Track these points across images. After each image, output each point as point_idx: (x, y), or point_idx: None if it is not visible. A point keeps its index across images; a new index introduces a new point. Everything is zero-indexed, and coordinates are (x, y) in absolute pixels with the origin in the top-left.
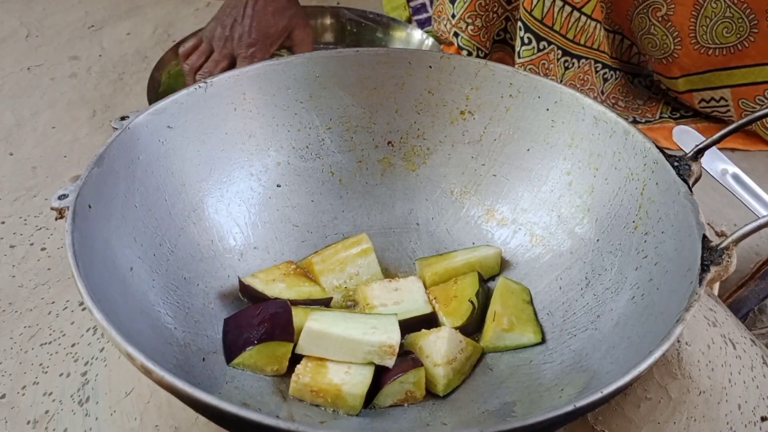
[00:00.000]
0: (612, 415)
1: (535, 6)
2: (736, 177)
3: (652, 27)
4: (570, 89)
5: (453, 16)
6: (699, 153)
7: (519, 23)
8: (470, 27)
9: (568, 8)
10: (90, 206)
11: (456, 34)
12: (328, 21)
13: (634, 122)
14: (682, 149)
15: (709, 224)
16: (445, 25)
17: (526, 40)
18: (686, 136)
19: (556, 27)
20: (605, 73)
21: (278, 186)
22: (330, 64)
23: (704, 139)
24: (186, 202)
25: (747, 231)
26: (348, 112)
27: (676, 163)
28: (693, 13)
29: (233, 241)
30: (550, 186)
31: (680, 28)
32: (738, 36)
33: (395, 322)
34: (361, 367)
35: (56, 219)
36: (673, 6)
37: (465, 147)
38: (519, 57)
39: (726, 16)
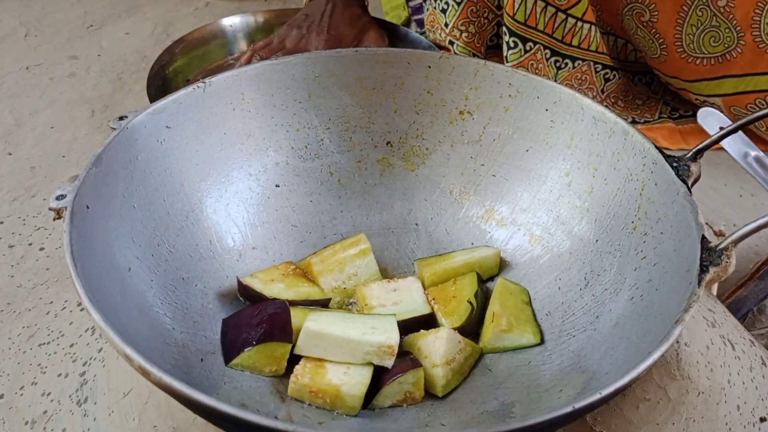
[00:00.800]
0: (611, 415)
1: (517, 10)
2: (758, 160)
3: (638, 30)
4: (569, 89)
5: (446, 25)
6: (698, 153)
7: (503, 28)
8: (464, 34)
9: (551, 9)
10: (88, 206)
11: (451, 42)
12: None
13: (634, 122)
14: (707, 130)
15: (707, 224)
16: (440, 34)
17: (512, 44)
18: (711, 118)
19: (540, 27)
20: (606, 74)
21: (277, 186)
22: (329, 63)
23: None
24: (184, 202)
25: (746, 231)
26: (347, 112)
27: (675, 164)
28: (678, 21)
29: (232, 241)
30: (549, 186)
31: (665, 35)
32: (725, 46)
33: (394, 322)
34: (360, 367)
35: (54, 219)
36: (656, 13)
37: (464, 147)
38: (507, 61)
39: (712, 25)
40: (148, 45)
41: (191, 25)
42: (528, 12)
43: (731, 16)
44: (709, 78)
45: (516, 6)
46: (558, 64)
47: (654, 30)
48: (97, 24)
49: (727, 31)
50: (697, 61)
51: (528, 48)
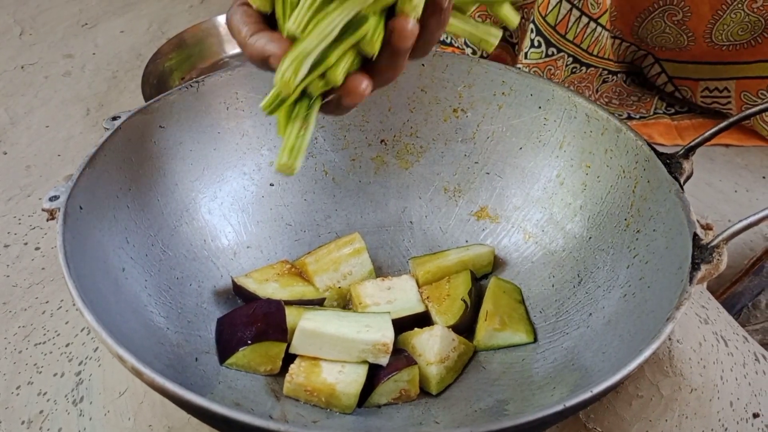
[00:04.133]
0: (604, 412)
1: (549, 12)
2: None
3: (667, 28)
4: (562, 87)
5: None
6: (691, 150)
7: (531, 25)
8: None
9: (585, 19)
10: (81, 207)
11: None
12: None
13: (629, 118)
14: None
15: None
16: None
17: (536, 43)
18: None
19: (570, 36)
20: (606, 77)
21: (271, 185)
22: None
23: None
24: (178, 202)
25: (737, 229)
26: None
27: (667, 161)
28: (711, 20)
29: (226, 240)
30: (543, 184)
31: (695, 30)
32: (752, 34)
33: (388, 320)
34: (355, 365)
35: (47, 220)
36: (689, 14)
37: (458, 145)
38: (526, 58)
39: (744, 22)
40: (143, 43)
41: (186, 23)
42: (559, 17)
43: (764, 12)
44: (732, 62)
45: (549, 8)
46: (574, 70)
47: (685, 27)
48: (91, 22)
49: (757, 23)
50: (723, 48)
51: (551, 53)
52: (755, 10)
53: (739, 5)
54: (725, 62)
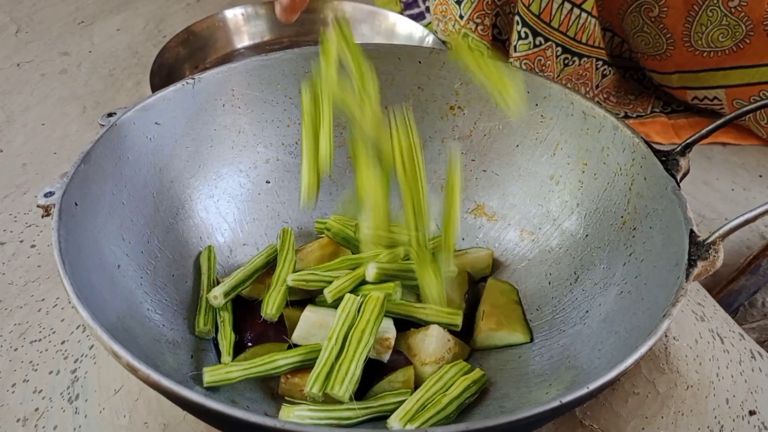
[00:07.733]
0: (600, 409)
1: (532, 1)
2: None
3: (645, 26)
4: (558, 84)
5: (461, 17)
6: (687, 148)
7: (516, 17)
8: (480, 27)
9: (567, 5)
10: (76, 204)
11: (465, 35)
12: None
13: (626, 117)
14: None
15: None
16: (453, 26)
17: (522, 35)
18: None
19: (554, 24)
20: (604, 70)
21: (267, 182)
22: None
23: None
24: (174, 199)
25: (734, 226)
26: (337, 107)
27: (664, 158)
28: (688, 18)
29: (222, 237)
30: (539, 181)
31: (673, 30)
32: (734, 40)
33: (390, 318)
34: None
35: (42, 217)
36: (665, 9)
37: (455, 143)
38: (515, 51)
39: (722, 24)
40: (140, 41)
41: (183, 21)
42: (543, 5)
43: (742, 14)
44: (716, 68)
45: None
46: (566, 61)
47: (662, 25)
48: (88, 20)
49: (736, 27)
50: (705, 54)
51: (538, 42)
52: (732, 11)
53: (715, 2)
54: (708, 69)
